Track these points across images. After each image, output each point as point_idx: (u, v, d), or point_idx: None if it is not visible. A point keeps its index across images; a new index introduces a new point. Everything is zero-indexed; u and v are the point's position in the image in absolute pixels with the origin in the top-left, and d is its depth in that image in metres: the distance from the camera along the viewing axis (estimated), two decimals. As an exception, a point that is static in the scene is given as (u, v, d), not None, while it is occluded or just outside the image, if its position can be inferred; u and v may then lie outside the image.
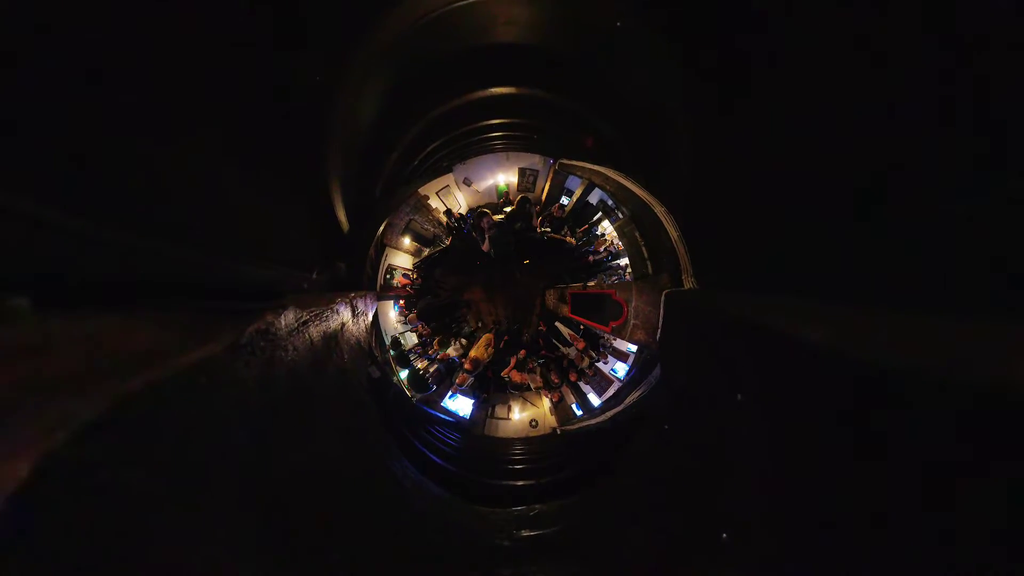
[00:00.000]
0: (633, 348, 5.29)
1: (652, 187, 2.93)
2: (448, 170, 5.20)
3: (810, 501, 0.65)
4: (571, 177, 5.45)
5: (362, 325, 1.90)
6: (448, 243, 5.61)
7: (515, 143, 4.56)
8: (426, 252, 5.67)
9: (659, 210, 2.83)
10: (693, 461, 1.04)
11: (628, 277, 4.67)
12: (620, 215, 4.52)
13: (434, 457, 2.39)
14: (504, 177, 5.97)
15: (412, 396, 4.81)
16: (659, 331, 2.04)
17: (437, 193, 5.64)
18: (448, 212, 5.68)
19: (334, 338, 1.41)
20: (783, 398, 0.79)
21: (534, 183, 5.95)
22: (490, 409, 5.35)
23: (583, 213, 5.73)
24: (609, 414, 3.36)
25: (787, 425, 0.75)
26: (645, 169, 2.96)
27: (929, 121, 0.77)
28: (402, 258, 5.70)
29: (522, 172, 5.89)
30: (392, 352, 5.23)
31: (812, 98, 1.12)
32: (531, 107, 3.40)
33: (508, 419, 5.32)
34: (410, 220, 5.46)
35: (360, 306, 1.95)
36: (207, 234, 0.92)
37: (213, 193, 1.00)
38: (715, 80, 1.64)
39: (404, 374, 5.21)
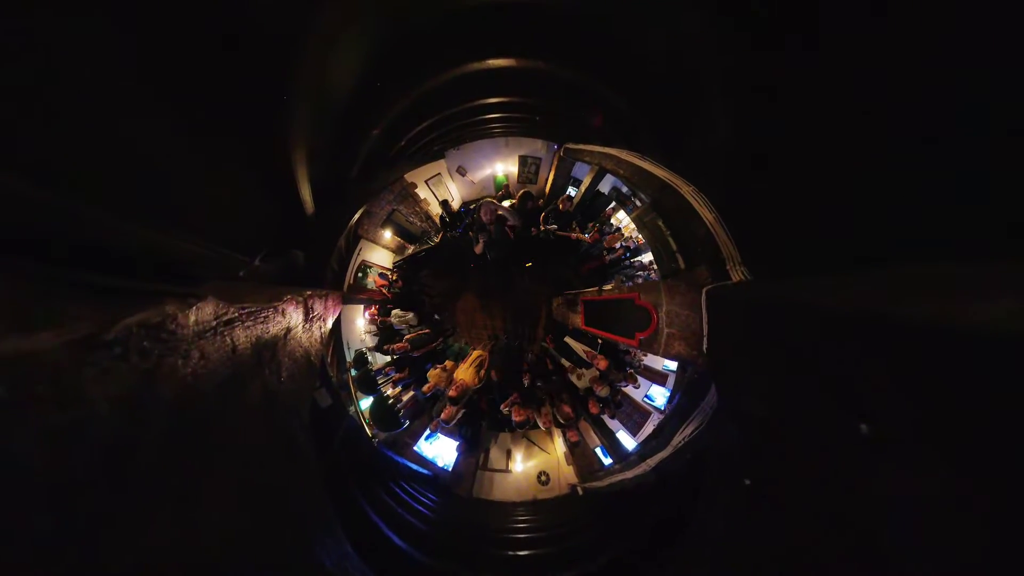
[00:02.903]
0: (671, 366, 4.75)
1: (676, 165, 2.74)
2: (440, 156, 5.02)
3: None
4: (578, 164, 5.26)
5: (316, 333, 1.64)
6: (438, 241, 5.37)
7: (515, 126, 4.40)
8: (411, 249, 5.40)
9: (686, 191, 2.63)
10: (808, 536, 0.77)
11: (654, 275, 4.38)
12: (638, 203, 4.31)
13: (394, 537, 1.88)
14: (503, 167, 5.79)
15: (374, 436, 4.10)
16: (705, 340, 1.79)
17: (426, 181, 5.44)
18: (444, 203, 5.44)
19: (270, 347, 1.16)
20: (962, 420, 0.55)
21: (536, 172, 5.77)
22: (482, 456, 4.57)
23: (593, 205, 5.53)
24: (652, 462, 2.81)
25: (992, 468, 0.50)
26: (666, 145, 2.78)
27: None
28: (380, 254, 5.37)
29: (523, 160, 5.71)
30: (354, 372, 4.58)
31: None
32: (533, 82, 3.25)
33: (507, 471, 4.51)
34: (393, 210, 5.21)
35: (317, 308, 1.70)
36: (97, 178, 0.70)
37: (115, 128, 0.78)
38: (764, 29, 1.45)
39: (367, 403, 4.44)
